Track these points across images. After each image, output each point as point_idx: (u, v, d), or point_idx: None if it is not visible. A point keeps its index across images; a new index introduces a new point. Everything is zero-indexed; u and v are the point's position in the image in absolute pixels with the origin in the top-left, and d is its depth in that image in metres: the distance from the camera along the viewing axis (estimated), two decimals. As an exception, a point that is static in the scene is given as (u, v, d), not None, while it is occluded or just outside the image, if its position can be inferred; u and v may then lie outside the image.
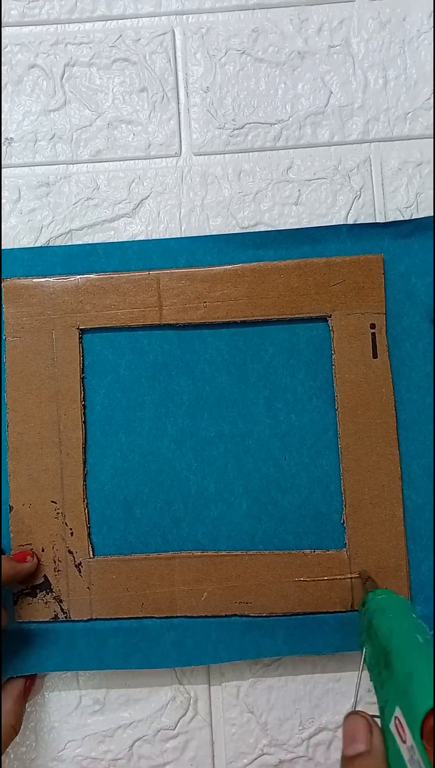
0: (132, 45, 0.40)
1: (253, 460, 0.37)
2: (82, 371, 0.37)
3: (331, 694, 0.37)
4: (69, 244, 0.39)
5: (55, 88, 0.40)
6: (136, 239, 0.39)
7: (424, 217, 0.37)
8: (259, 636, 0.35)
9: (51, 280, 0.37)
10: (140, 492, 0.37)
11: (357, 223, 0.38)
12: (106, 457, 0.37)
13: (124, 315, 0.37)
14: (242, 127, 0.40)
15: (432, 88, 0.40)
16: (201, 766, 0.36)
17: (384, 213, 0.39)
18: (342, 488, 0.36)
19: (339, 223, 0.38)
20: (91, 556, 0.36)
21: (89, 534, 0.37)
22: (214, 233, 0.39)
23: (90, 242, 0.39)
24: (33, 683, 0.36)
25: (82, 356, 0.37)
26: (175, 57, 0.40)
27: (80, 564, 0.36)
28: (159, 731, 0.37)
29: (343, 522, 0.36)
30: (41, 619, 0.36)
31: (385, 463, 0.36)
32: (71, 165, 0.40)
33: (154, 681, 0.37)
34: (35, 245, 0.39)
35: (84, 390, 0.37)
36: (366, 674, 0.29)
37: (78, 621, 0.36)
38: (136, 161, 0.40)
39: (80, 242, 0.39)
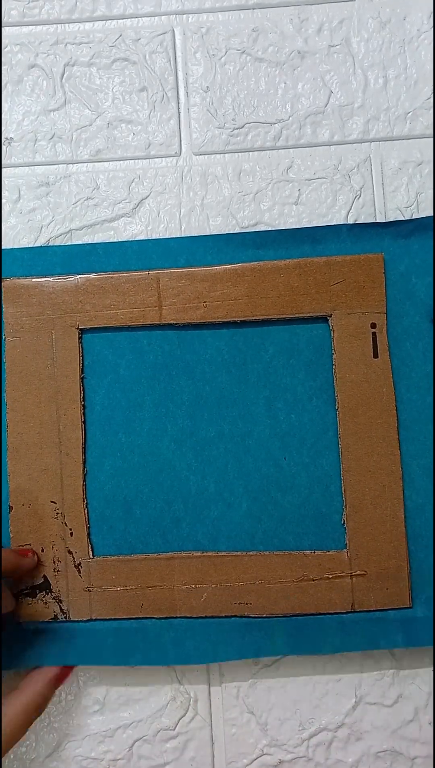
0: (132, 45, 0.40)
1: (253, 460, 0.37)
2: (82, 371, 0.37)
3: (331, 695, 0.37)
4: (69, 243, 0.39)
5: (55, 88, 0.40)
6: (135, 239, 0.39)
7: (425, 217, 0.37)
8: (259, 636, 0.35)
9: (51, 280, 0.37)
10: (140, 492, 0.37)
11: (357, 222, 0.38)
12: (106, 457, 0.37)
13: (124, 315, 0.37)
14: (242, 127, 0.40)
15: (432, 87, 0.40)
16: (201, 766, 0.36)
17: (384, 213, 0.39)
18: (342, 488, 0.36)
19: (339, 223, 0.38)
20: (91, 557, 0.36)
21: (89, 534, 0.37)
22: (214, 233, 0.39)
23: (90, 242, 0.39)
24: (68, 673, 0.36)
25: (82, 356, 0.37)
26: (175, 57, 0.40)
27: (80, 564, 0.36)
28: (159, 731, 0.37)
29: (344, 522, 0.36)
30: (41, 620, 0.36)
31: (386, 463, 0.36)
32: (71, 165, 0.40)
33: (154, 681, 0.37)
34: (35, 245, 0.39)
35: (84, 390, 0.37)
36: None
37: (78, 621, 0.36)
38: (136, 161, 0.40)
39: (80, 242, 0.39)
